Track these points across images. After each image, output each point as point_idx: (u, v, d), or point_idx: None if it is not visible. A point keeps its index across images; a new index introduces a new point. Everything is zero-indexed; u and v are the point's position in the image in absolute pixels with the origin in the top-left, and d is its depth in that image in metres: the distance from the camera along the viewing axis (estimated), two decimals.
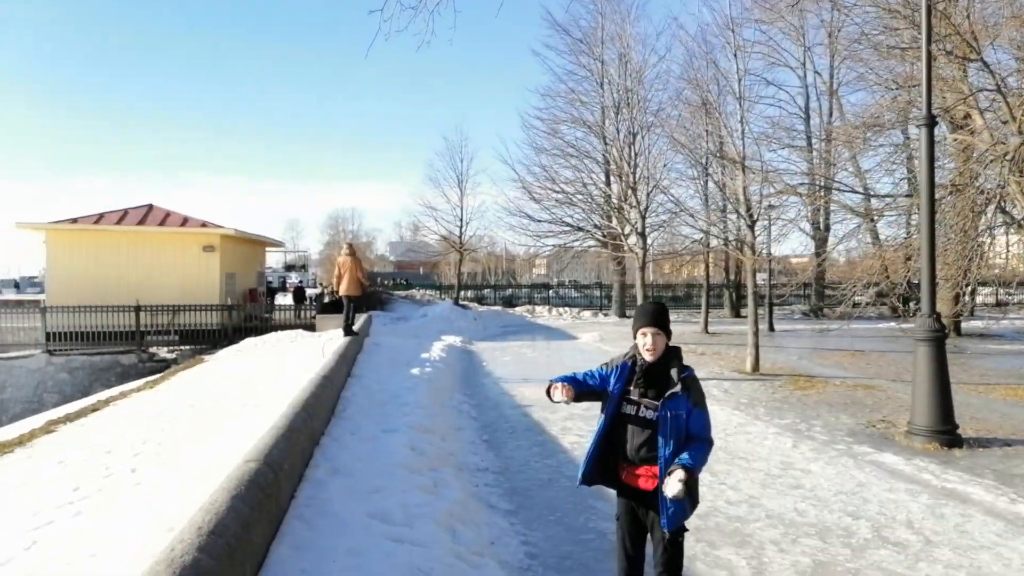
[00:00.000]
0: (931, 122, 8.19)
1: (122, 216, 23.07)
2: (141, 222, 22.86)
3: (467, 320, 26.24)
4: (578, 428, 8.69)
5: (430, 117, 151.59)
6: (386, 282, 46.40)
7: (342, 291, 14.49)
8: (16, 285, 69.46)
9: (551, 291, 39.65)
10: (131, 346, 19.69)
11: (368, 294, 21.81)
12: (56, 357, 18.79)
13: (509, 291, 39.22)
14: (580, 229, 29.10)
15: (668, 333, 3.20)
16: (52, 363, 18.62)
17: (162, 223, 23.11)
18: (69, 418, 10.33)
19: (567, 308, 33.26)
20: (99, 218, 22.77)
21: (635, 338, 3.24)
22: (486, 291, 39.80)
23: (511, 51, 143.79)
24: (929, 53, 8.29)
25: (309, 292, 37.05)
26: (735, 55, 14.38)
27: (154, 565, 2.74)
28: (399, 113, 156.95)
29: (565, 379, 3.36)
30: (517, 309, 32.75)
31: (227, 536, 3.08)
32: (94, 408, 11.24)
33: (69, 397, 17.28)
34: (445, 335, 19.93)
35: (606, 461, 3.24)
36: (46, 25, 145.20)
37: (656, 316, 3.19)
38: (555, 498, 6.03)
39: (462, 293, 34.74)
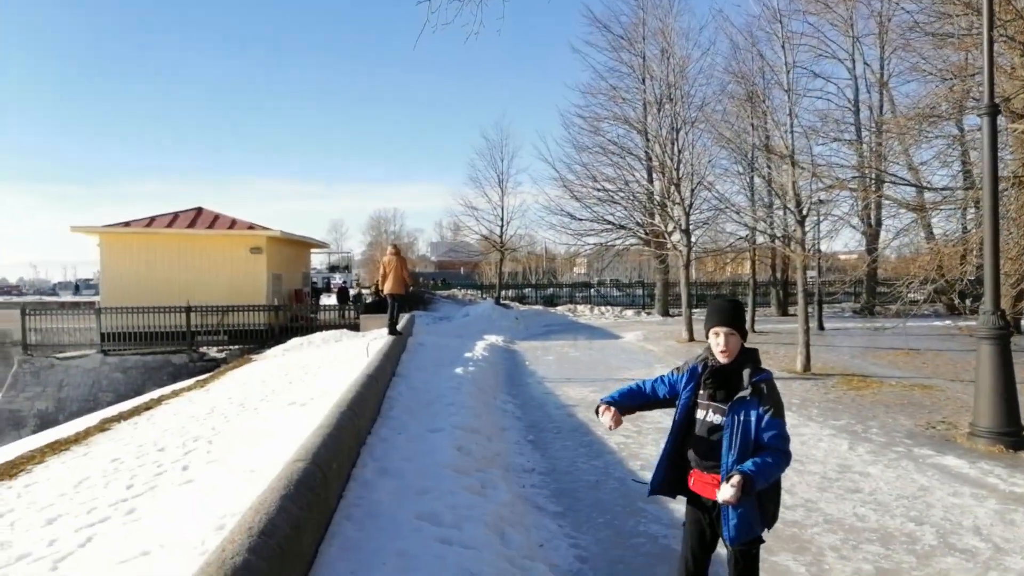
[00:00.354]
0: (994, 110, 7.83)
1: (172, 219, 23.66)
2: (191, 225, 23.41)
3: (509, 319, 26.21)
4: (625, 429, 8.54)
5: (471, 116, 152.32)
6: (428, 282, 46.68)
7: (386, 291, 14.58)
8: (76, 287, 71.91)
9: (592, 290, 39.39)
10: (182, 346, 20.16)
11: (411, 294, 21.95)
12: (110, 357, 19.33)
13: (550, 290, 39.08)
14: (622, 227, 28.80)
15: (743, 333, 3.01)
16: (107, 363, 19.17)
17: (211, 226, 23.63)
18: (123, 416, 10.60)
19: (609, 307, 32.98)
20: (150, 221, 23.38)
21: (707, 338, 3.08)
22: (527, 290, 39.74)
23: (551, 48, 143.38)
24: (991, 39, 7.92)
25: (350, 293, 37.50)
26: (783, 47, 14.01)
27: (204, 566, 2.73)
28: (441, 113, 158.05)
29: (621, 393, 3.28)
30: (558, 308, 32.60)
31: (277, 537, 3.06)
32: (147, 407, 11.51)
33: (123, 396, 17.76)
34: (487, 334, 19.92)
35: (678, 469, 3.09)
36: (95, 31, 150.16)
37: (730, 315, 2.99)
38: (604, 500, 5.92)
39: (503, 292, 34.73)
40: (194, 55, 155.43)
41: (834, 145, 16.93)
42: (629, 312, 31.79)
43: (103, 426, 9.85)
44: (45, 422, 17.28)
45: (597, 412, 3.19)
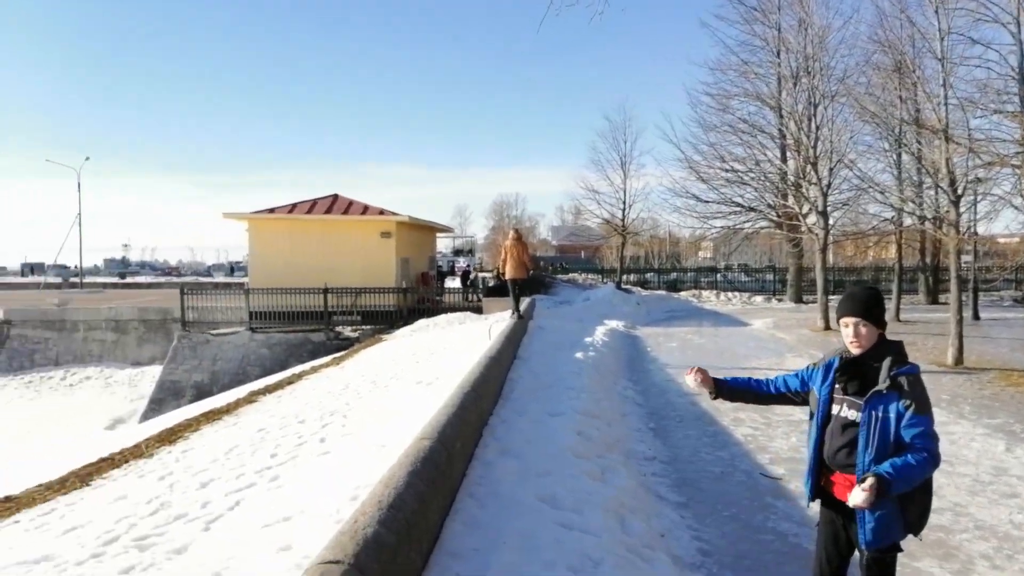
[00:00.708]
0: None
1: (311, 206, 25.13)
2: (328, 211, 24.78)
3: (630, 304, 25.84)
4: (752, 420, 8.22)
5: (593, 98, 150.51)
6: (548, 266, 46.85)
7: (508, 275, 14.78)
8: (231, 269, 78.23)
9: (719, 275, 37.99)
10: (320, 325, 21.44)
11: (532, 278, 22.15)
12: (257, 334, 20.89)
13: (674, 275, 38.08)
14: (752, 209, 27.53)
15: (879, 323, 2.77)
16: (254, 339, 20.74)
17: (346, 212, 24.91)
18: (268, 390, 11.41)
19: (736, 293, 31.73)
20: (292, 208, 24.96)
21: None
22: (649, 275, 38.93)
23: (677, 24, 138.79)
24: None
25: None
26: (936, 12, 12.79)
27: (339, 535, 2.89)
28: (562, 95, 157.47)
29: (734, 379, 3.19)
30: (682, 293, 31.75)
31: (405, 511, 3.19)
32: (289, 381, 12.33)
33: (268, 370, 19.15)
34: (608, 319, 19.75)
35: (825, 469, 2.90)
36: (241, 35, 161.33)
37: (859, 303, 2.77)
38: (729, 492, 5.73)
39: (624, 277, 34.22)
40: (328, 51, 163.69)
41: (995, 118, 15.24)
42: (758, 298, 30.44)
43: (251, 398, 10.67)
44: (201, 392, 18.98)
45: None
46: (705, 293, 31.87)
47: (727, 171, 27.25)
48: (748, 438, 7.42)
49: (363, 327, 21.58)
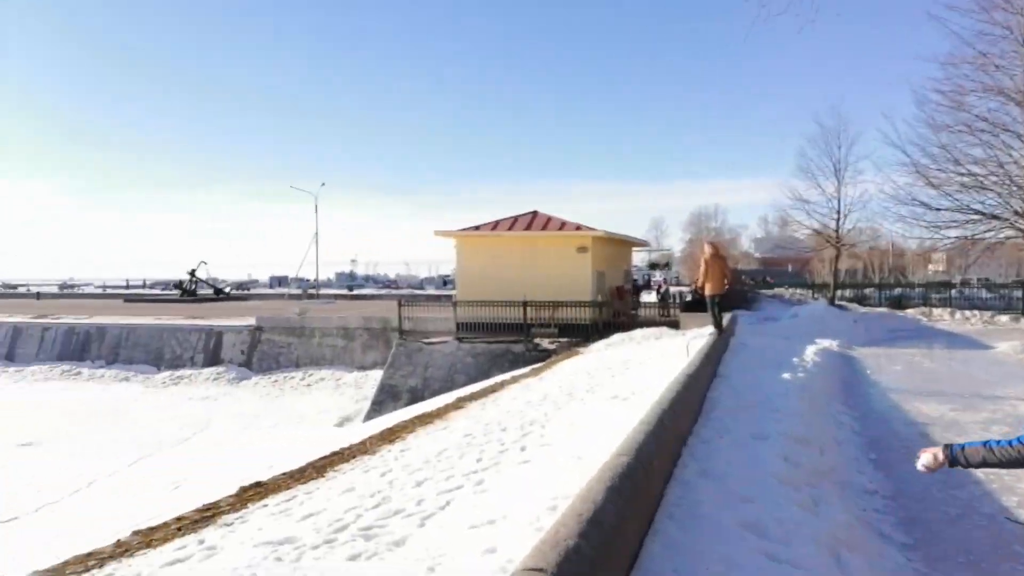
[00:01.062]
0: None
1: (512, 223, 26.22)
2: (528, 227, 25.72)
3: (845, 322, 23.79)
4: None
5: (801, 103, 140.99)
6: (750, 280, 44.56)
7: (707, 290, 14.32)
8: (444, 282, 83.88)
9: (953, 291, 33.70)
10: (519, 337, 22.25)
11: (732, 292, 21.21)
12: (464, 344, 22.17)
13: (898, 290, 34.44)
14: (994, 217, 24.08)
15: None
16: (461, 348, 22.03)
17: (544, 228, 25.68)
18: (473, 397, 12.06)
19: (975, 311, 27.94)
20: (495, 225, 26.23)
21: None
22: (868, 290, 35.52)
23: (891, 19, 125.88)
24: None
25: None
26: None
27: (541, 544, 3.01)
28: (766, 102, 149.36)
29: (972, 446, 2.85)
30: (908, 311, 28.59)
31: (604, 527, 3.24)
32: (492, 390, 12.93)
33: (473, 378, 20.23)
34: (819, 338, 18.34)
35: None
36: (442, 68, 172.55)
37: None
38: (967, 537, 5.10)
39: (839, 292, 31.56)
40: (529, 69, 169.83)
41: None
42: (1003, 318, 26.57)
43: (458, 404, 11.36)
44: (414, 396, 20.50)
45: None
46: (936, 311, 28.44)
47: (962, 175, 24.14)
48: (991, 477, 6.54)
49: (560, 339, 22.02)
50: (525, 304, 22.52)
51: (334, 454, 8.36)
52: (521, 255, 25.27)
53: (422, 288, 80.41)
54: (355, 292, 70.88)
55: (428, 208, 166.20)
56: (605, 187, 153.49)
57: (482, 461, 6.97)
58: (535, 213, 26.97)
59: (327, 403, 22.91)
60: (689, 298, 26.29)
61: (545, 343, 22.16)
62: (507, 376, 17.04)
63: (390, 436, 9.08)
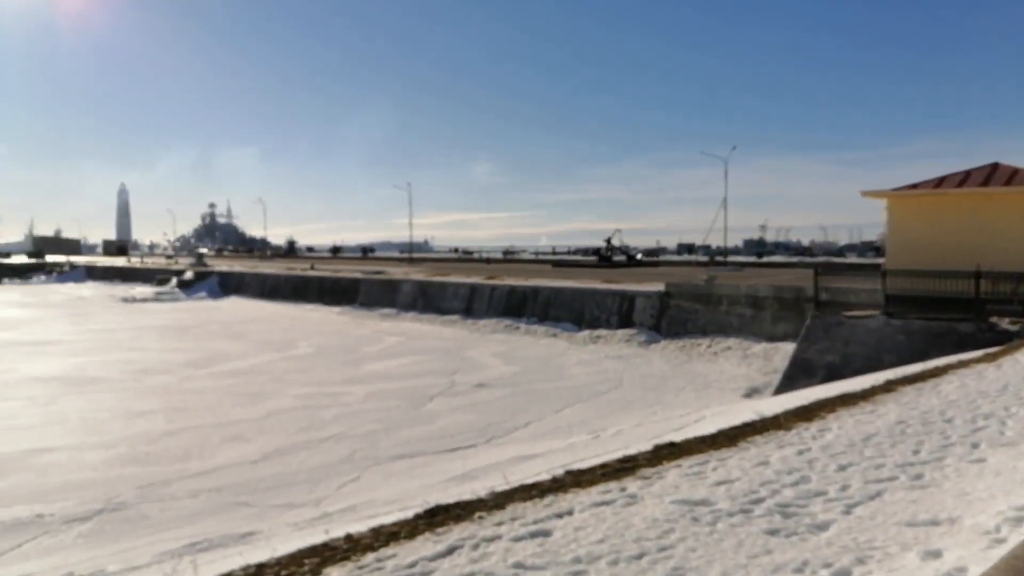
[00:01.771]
0: None
1: (963, 178, 22.14)
2: (984, 182, 21.42)
3: None
4: None
5: None
6: None
7: None
8: (868, 249, 75.73)
9: None
10: (968, 314, 18.79)
11: None
12: (894, 319, 19.63)
13: None
14: None
15: None
16: (890, 324, 19.54)
17: (1007, 183, 21.07)
18: (907, 380, 10.70)
19: None
20: (939, 182, 22.47)
21: None
22: None
23: None
24: None
25: None
26: None
27: (1010, 559, 2.55)
28: None
29: None
30: None
31: None
32: (932, 374, 11.31)
33: (904, 359, 17.81)
34: None
35: None
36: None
37: None
38: None
39: None
40: None
41: None
42: None
43: (888, 387, 10.15)
44: (831, 374, 18.97)
45: None
46: None
47: None
48: None
49: None
50: (978, 275, 18.88)
51: (746, 425, 8.24)
52: (972, 216, 21.19)
53: (841, 255, 73.64)
54: (764, 259, 68.48)
55: (853, 167, 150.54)
56: None
57: (920, 454, 6.17)
58: (995, 165, 22.34)
59: (734, 372, 22.73)
60: None
61: (1004, 323, 18.32)
62: (952, 359, 14.58)
63: (807, 414, 8.57)
